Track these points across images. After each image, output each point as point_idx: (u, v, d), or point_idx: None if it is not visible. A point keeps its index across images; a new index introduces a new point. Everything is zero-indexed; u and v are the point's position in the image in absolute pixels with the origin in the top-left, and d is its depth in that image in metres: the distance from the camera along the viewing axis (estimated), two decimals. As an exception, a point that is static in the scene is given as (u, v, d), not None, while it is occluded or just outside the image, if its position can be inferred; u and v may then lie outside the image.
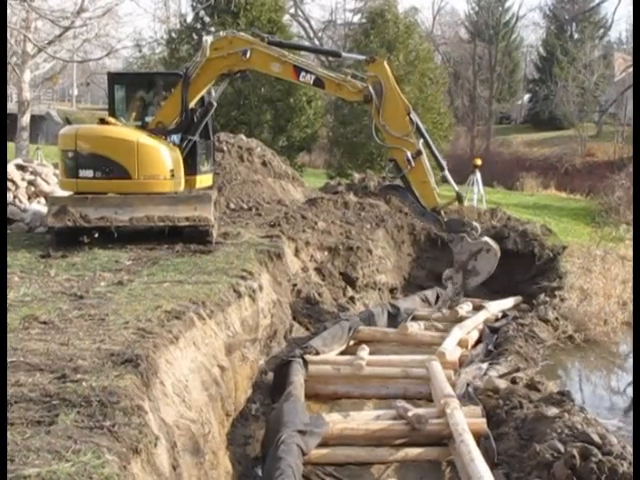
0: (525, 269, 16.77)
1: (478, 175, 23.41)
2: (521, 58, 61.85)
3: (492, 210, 19.24)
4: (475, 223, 13.67)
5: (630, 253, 18.53)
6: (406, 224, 17.33)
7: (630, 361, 14.17)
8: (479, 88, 53.61)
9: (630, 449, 6.96)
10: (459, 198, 13.66)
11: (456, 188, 13.68)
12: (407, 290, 15.93)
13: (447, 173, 13.63)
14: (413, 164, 12.73)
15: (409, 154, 12.66)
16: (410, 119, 12.81)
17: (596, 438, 6.96)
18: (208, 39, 12.68)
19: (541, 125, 52.33)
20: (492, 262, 13.19)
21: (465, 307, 13.92)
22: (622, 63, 54.36)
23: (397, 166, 13.08)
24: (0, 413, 4.39)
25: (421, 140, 12.93)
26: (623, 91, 48.03)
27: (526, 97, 61.76)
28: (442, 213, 13.20)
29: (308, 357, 9.74)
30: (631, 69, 50.30)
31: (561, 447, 6.89)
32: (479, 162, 24.19)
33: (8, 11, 19.38)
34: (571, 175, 39.97)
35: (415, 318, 13.04)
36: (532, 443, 7.30)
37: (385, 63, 12.92)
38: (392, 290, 15.59)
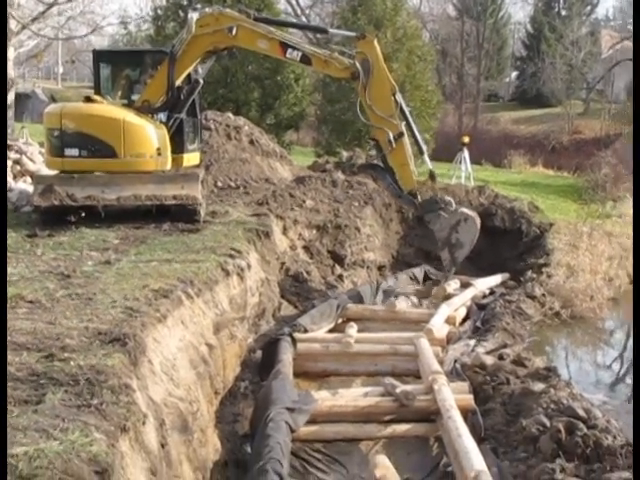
0: (512, 246, 16.84)
1: (466, 153, 23.38)
2: (509, 35, 61.51)
3: (480, 188, 19.26)
4: (448, 198, 13.66)
5: (617, 229, 18.67)
6: (394, 202, 17.33)
7: (616, 336, 14.33)
8: (467, 65, 53.37)
9: (615, 423, 7.04)
10: (432, 176, 13.65)
11: (430, 166, 13.67)
12: (395, 268, 15.97)
13: (427, 157, 13.63)
14: (394, 145, 12.69)
15: (391, 135, 12.63)
16: (395, 100, 12.75)
17: (581, 412, 7.03)
18: (194, 16, 12.54)
19: (528, 102, 52.22)
20: (473, 230, 13.21)
21: (453, 284, 13.98)
22: (609, 40, 54.29)
23: (378, 146, 13.05)
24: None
25: (404, 123, 12.89)
26: (610, 68, 47.99)
27: (514, 74, 61.60)
28: (418, 196, 13.19)
29: (297, 335, 9.77)
30: (618, 46, 50.33)
31: (547, 422, 6.96)
32: (467, 140, 24.16)
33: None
34: (558, 152, 39.98)
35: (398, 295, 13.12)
36: (519, 418, 7.38)
37: (375, 41, 12.82)
38: (380, 268, 15.63)
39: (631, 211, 20.75)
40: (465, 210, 13.66)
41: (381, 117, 12.67)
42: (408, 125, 13.00)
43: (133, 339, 5.87)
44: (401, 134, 12.72)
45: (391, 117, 12.68)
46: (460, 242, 13.20)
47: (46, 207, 11.14)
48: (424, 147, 13.62)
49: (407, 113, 13.11)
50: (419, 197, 13.21)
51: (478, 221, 13.34)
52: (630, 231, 18.49)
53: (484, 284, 14.44)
